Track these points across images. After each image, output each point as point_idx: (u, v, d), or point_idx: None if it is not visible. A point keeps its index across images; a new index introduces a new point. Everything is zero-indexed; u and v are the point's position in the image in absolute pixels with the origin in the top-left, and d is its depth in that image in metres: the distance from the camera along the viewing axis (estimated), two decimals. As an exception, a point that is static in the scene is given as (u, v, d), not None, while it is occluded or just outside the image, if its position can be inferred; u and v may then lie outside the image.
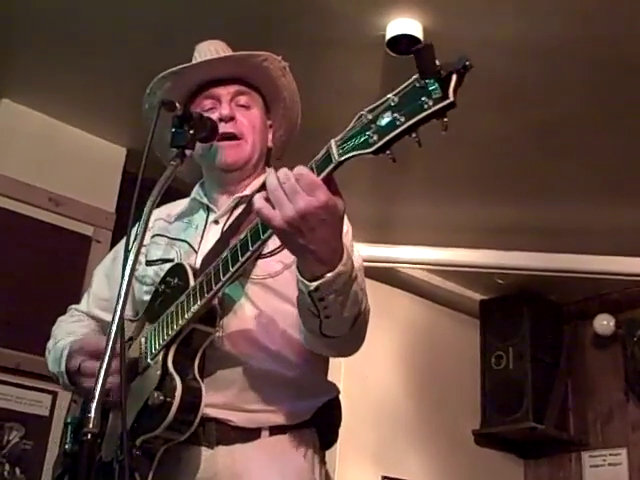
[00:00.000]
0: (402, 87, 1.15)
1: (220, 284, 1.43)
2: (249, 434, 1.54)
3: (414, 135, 1.14)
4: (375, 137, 1.16)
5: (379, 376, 4.10)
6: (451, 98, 1.08)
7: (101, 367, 1.26)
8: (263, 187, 1.72)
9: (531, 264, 4.18)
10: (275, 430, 1.56)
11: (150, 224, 1.81)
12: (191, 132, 1.57)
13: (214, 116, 1.68)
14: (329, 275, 1.27)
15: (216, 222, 1.71)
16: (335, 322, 1.37)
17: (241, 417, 1.54)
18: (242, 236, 1.39)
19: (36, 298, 3.07)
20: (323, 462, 1.64)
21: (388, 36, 2.68)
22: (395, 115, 1.14)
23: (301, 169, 1.22)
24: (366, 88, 2.99)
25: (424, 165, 3.24)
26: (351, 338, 1.47)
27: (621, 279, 4.22)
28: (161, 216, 1.83)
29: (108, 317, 1.78)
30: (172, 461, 1.51)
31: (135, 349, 1.61)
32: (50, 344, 1.79)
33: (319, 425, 1.63)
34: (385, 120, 1.15)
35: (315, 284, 1.27)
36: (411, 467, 4.18)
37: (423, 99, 1.10)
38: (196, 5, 2.65)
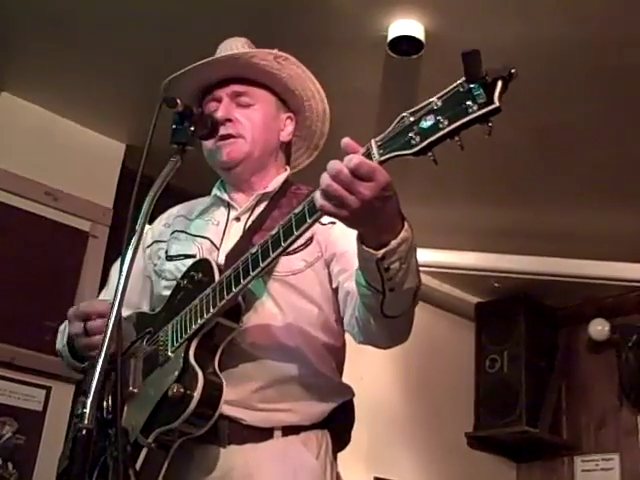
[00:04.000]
0: (445, 91, 1.15)
1: (249, 278, 1.43)
2: (261, 434, 1.54)
3: (457, 138, 1.15)
4: (417, 139, 1.17)
5: (374, 377, 4.10)
6: (497, 103, 1.10)
7: (97, 363, 1.26)
8: (285, 184, 1.74)
9: (527, 268, 4.19)
10: (288, 430, 1.56)
11: (170, 221, 1.83)
12: (191, 129, 1.57)
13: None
14: (394, 242, 1.27)
15: (237, 219, 1.71)
16: (397, 296, 1.36)
17: (254, 416, 1.54)
18: (274, 232, 1.39)
19: (32, 293, 3.07)
20: (335, 463, 1.64)
21: (390, 37, 2.68)
22: (438, 118, 1.15)
23: (353, 157, 1.21)
24: (367, 89, 2.99)
25: (422, 167, 3.23)
26: (408, 318, 1.46)
27: (616, 284, 4.24)
28: (181, 213, 1.84)
29: (123, 311, 1.79)
30: (184, 458, 1.51)
31: (155, 342, 1.60)
32: (62, 327, 1.78)
33: (333, 427, 1.62)
34: (428, 123, 1.16)
35: (382, 251, 1.27)
36: (404, 468, 4.18)
37: (468, 103, 1.11)
38: (195, 4, 2.64)
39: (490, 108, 1.10)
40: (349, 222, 1.26)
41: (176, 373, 1.48)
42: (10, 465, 2.92)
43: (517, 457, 4.73)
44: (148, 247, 1.82)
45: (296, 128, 1.82)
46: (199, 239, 1.71)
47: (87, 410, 1.20)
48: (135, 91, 3.08)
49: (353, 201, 1.20)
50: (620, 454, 4.39)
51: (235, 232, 1.68)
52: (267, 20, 2.68)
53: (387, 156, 1.21)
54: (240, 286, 1.44)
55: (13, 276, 3.06)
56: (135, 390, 1.55)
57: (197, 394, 1.43)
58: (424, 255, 4.06)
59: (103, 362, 1.25)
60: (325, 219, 1.53)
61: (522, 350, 4.46)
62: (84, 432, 1.18)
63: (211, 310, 1.48)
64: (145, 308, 1.78)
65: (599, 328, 4.54)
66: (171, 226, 1.81)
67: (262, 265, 1.41)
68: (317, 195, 1.25)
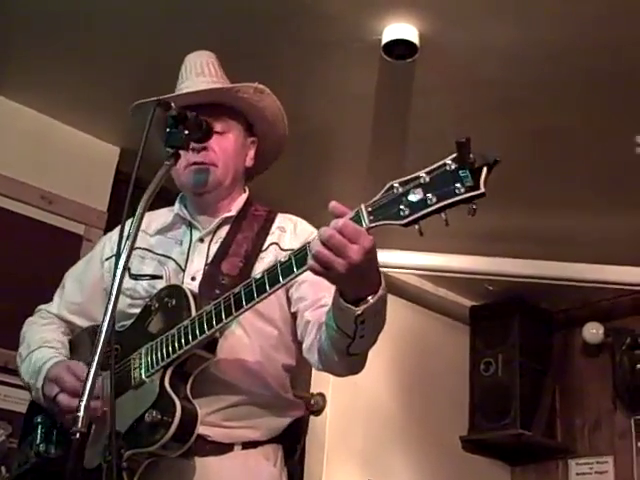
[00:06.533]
0: (433, 167, 1.23)
1: (232, 317, 1.49)
2: (223, 448, 1.61)
3: (443, 215, 1.23)
4: (407, 211, 1.24)
5: (368, 381, 4.09)
6: (482, 189, 1.19)
7: (90, 368, 1.26)
8: (246, 205, 1.78)
9: (522, 271, 4.19)
10: (247, 445, 1.63)
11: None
12: (186, 132, 1.58)
13: None
14: (371, 299, 1.34)
15: (201, 240, 1.75)
16: (365, 340, 1.43)
17: (218, 432, 1.60)
18: (258, 277, 1.45)
19: (26, 296, 3.04)
20: (287, 471, 1.71)
21: (384, 41, 2.68)
22: (428, 195, 1.23)
23: (338, 220, 1.28)
24: (362, 93, 2.99)
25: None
26: (366, 355, 1.54)
27: (610, 287, 4.24)
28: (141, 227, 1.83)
29: (78, 321, 1.82)
30: (151, 471, 1.54)
31: (127, 362, 1.63)
32: (23, 351, 1.81)
33: (285, 441, 1.70)
34: (417, 197, 1.24)
35: (362, 308, 1.33)
36: (398, 472, 4.18)
37: (457, 185, 1.20)
38: (194, 7, 2.65)
39: (476, 193, 1.20)
40: (335, 281, 1.33)
41: (152, 399, 1.53)
42: (4, 469, 2.91)
43: (511, 460, 4.73)
44: (107, 260, 1.84)
45: (257, 151, 1.86)
46: (164, 259, 1.75)
47: (80, 413, 1.20)
48: (130, 95, 3.06)
49: (341, 265, 1.27)
50: (614, 457, 4.39)
51: (199, 253, 1.73)
52: (263, 24, 2.69)
53: (377, 224, 1.28)
54: (222, 323, 1.50)
55: (6, 279, 3.05)
56: (105, 409, 1.55)
57: (175, 421, 1.48)
58: (418, 258, 4.07)
59: (96, 369, 1.26)
60: (285, 245, 1.67)
61: (516, 353, 4.46)
62: (78, 436, 1.18)
63: (191, 342, 1.52)
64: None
65: (593, 331, 4.54)
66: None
67: (245, 307, 1.47)
68: (310, 264, 1.31)
